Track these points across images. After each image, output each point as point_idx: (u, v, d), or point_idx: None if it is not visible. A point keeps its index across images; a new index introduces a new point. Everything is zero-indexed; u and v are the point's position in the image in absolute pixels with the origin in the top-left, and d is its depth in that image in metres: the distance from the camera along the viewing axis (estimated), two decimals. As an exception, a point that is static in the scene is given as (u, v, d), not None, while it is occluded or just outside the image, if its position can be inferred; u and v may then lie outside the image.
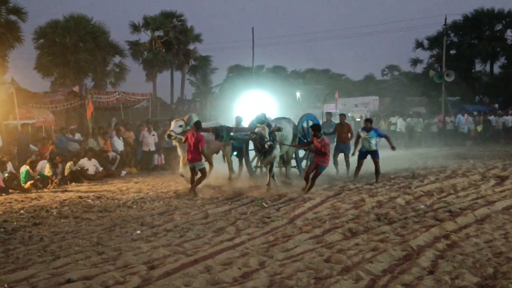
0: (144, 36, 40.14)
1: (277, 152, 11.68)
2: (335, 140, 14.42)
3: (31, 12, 28.90)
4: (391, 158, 15.83)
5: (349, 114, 29.74)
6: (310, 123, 13.12)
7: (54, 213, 9.98)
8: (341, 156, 14.31)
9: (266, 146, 11.02)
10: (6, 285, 5.61)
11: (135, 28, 39.30)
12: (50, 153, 15.19)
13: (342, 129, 14.44)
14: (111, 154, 17.05)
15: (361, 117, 28.77)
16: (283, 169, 13.25)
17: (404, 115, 27.23)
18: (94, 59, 31.77)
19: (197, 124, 11.48)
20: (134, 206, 10.51)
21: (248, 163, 12.99)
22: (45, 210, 10.30)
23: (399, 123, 25.52)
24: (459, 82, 36.73)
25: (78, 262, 6.38)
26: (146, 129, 18.10)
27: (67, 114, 23.71)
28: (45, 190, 13.41)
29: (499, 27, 38.38)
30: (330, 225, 8.05)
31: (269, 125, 11.43)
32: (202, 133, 11.46)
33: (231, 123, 13.06)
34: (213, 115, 24.19)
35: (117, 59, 35.01)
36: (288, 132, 12.37)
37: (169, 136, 12.06)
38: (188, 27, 41.49)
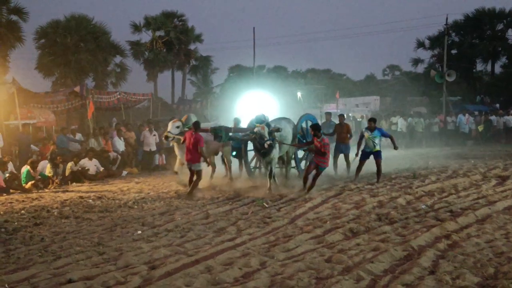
0: (145, 36, 40.25)
1: (276, 152, 11.65)
2: (335, 140, 14.37)
3: (32, 12, 28.88)
4: (392, 158, 15.83)
5: (350, 114, 29.77)
6: (309, 123, 13.11)
7: (55, 213, 9.99)
8: (341, 156, 14.28)
9: (265, 145, 10.98)
10: (7, 285, 5.61)
11: (136, 28, 39.33)
12: (51, 153, 15.21)
13: (341, 130, 14.41)
14: (112, 154, 17.06)
15: (362, 117, 28.74)
16: (283, 169, 13.23)
17: (405, 115, 27.21)
18: (95, 59, 31.80)
19: (196, 125, 11.34)
20: (135, 206, 10.52)
21: (246, 163, 12.98)
22: (46, 210, 10.31)
23: (400, 123, 25.50)
24: (460, 82, 36.72)
25: (79, 262, 6.38)
26: (147, 129, 18.11)
27: (68, 114, 23.73)
28: (46, 190, 13.42)
29: (500, 26, 38.36)
30: (331, 225, 8.05)
31: (268, 125, 11.42)
32: (201, 133, 11.38)
33: (232, 124, 13.03)
34: (214, 115, 24.17)
35: (118, 59, 35.07)
36: (287, 133, 12.34)
37: (166, 137, 11.96)
38: (189, 27, 41.54)
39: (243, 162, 13.17)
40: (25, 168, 13.79)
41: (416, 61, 41.59)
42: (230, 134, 11.95)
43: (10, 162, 13.97)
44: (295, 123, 13.06)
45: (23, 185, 13.42)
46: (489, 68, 39.90)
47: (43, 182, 13.79)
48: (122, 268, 6.10)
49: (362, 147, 12.86)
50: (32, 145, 16.01)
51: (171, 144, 12.73)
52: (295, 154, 13.19)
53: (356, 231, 7.64)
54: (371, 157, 12.74)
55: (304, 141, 13.14)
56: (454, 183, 12.09)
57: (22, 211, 10.27)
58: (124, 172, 16.82)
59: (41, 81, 31.96)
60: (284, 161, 12.99)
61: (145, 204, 10.71)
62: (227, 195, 11.35)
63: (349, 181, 12.74)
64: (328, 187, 11.90)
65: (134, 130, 19.10)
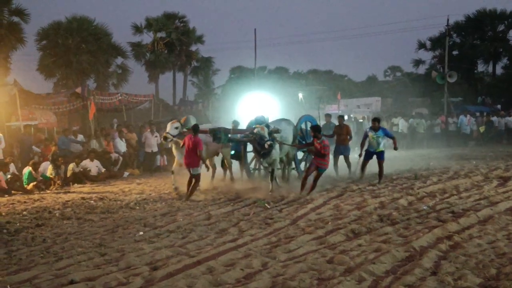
0: (146, 38, 40.29)
1: (276, 153, 11.62)
2: (334, 142, 14.32)
3: (34, 13, 28.92)
4: (394, 159, 15.82)
5: (351, 115, 29.71)
6: (309, 124, 13.11)
7: (57, 214, 10.01)
8: (341, 158, 14.26)
9: (266, 145, 10.95)
10: (9, 286, 5.62)
11: (137, 29, 39.38)
12: (53, 154, 15.21)
13: (341, 131, 14.37)
14: (114, 155, 17.08)
15: (363, 118, 28.70)
16: (283, 171, 13.19)
17: (406, 116, 27.19)
18: (96, 60, 31.85)
19: (195, 128, 11.25)
20: (137, 207, 10.53)
21: (246, 164, 12.97)
22: (48, 211, 10.32)
23: (401, 124, 25.47)
24: (462, 83, 36.71)
25: (81, 263, 6.39)
26: (148, 130, 18.12)
27: (70, 116, 23.73)
28: (48, 191, 13.43)
29: (501, 27, 38.37)
30: (333, 226, 8.05)
31: (268, 126, 11.40)
32: (200, 135, 11.30)
33: (230, 126, 12.97)
34: (215, 116, 24.18)
35: (119, 60, 35.14)
36: (288, 134, 12.32)
37: (165, 138, 11.93)
38: (190, 28, 41.58)
39: (242, 163, 13.14)
40: (27, 169, 13.81)
41: (418, 62, 41.63)
42: (229, 135, 11.92)
43: (12, 163, 13.99)
44: (295, 125, 13.05)
45: (25, 186, 13.44)
46: (490, 69, 39.98)
47: (44, 183, 13.81)
48: (124, 269, 6.11)
49: (365, 147, 12.83)
50: (33, 146, 16.02)
51: (169, 145, 12.70)
52: (295, 155, 13.18)
53: (358, 232, 7.64)
54: (374, 157, 12.72)
55: (304, 142, 13.12)
56: (455, 184, 12.07)
57: (24, 212, 10.29)
58: (126, 173, 16.84)
59: (42, 82, 32.06)
60: (284, 162, 12.97)
61: (146, 205, 10.72)
62: (228, 196, 11.34)
63: (351, 182, 12.74)
64: (330, 188, 11.89)
65: (135, 131, 19.13)
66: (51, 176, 14.17)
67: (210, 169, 12.75)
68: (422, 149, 24.03)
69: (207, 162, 12.45)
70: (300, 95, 35.35)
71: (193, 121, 12.03)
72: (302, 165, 13.56)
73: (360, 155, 12.93)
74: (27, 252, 7.13)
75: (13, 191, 12.98)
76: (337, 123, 14.86)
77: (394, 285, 5.34)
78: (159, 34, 40.19)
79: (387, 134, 12.88)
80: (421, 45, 40.06)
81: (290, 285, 5.38)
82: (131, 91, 28.48)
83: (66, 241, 7.65)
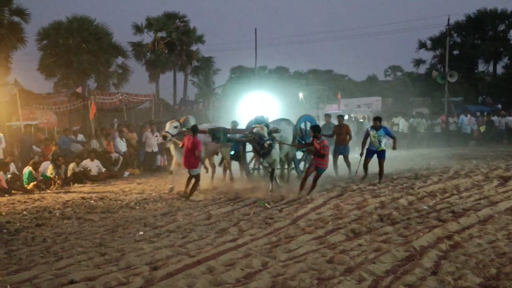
0: (147, 37, 40.32)
1: (276, 153, 11.60)
2: (334, 142, 14.28)
3: (34, 13, 28.96)
4: (394, 159, 15.81)
5: (352, 115, 29.73)
6: (308, 124, 13.10)
7: (57, 214, 10.01)
8: (340, 158, 14.25)
9: (265, 145, 10.94)
10: (9, 286, 5.62)
11: (138, 29, 39.40)
12: (53, 154, 15.22)
13: (340, 131, 14.36)
14: (114, 155, 17.08)
15: (364, 117, 28.73)
16: (283, 171, 13.19)
17: (407, 115, 27.19)
18: (97, 60, 31.87)
19: (194, 129, 11.24)
20: (137, 207, 10.53)
21: (245, 165, 12.95)
22: (48, 211, 10.32)
23: (402, 124, 25.48)
24: (462, 83, 36.73)
25: (81, 263, 6.39)
26: (149, 130, 18.12)
27: (70, 115, 23.77)
28: (48, 191, 13.44)
29: (502, 27, 38.35)
30: (333, 226, 8.04)
31: (267, 125, 11.39)
32: (199, 135, 11.28)
33: (229, 127, 12.95)
34: (215, 116, 24.17)
35: (120, 60, 35.18)
36: (288, 134, 12.30)
37: (164, 137, 11.93)
38: (190, 28, 41.61)
39: (242, 163, 13.13)
40: (27, 169, 13.81)
41: (418, 62, 41.61)
42: (228, 135, 11.91)
43: (12, 163, 13.99)
44: (295, 124, 13.04)
45: (25, 186, 13.45)
46: (491, 68, 39.98)
47: (45, 183, 13.81)
48: (124, 269, 6.11)
49: (366, 146, 12.82)
50: (34, 146, 16.03)
51: (168, 145, 12.67)
52: (294, 155, 13.17)
53: (358, 232, 7.64)
54: (374, 156, 12.72)
55: (303, 142, 13.11)
56: (456, 184, 12.07)
57: (24, 212, 10.29)
58: (126, 173, 16.84)
59: (43, 82, 32.11)
60: (284, 162, 12.95)
61: (147, 205, 10.72)
62: (228, 196, 11.34)
63: (351, 182, 12.74)
64: (330, 188, 11.89)
65: (136, 131, 19.13)
66: (51, 176, 14.18)
67: (210, 169, 12.76)
68: (422, 148, 24.05)
69: (206, 162, 12.46)
70: (301, 95, 35.35)
71: (192, 122, 12.02)
72: (302, 165, 13.56)
73: (361, 154, 12.92)
74: (27, 251, 7.13)
75: (13, 191, 12.98)
76: (336, 123, 14.85)
77: (394, 285, 5.33)
78: (159, 34, 40.22)
79: (388, 133, 12.88)
80: (422, 45, 40.05)
81: (290, 285, 5.38)
82: (132, 91, 28.53)
83: (66, 241, 7.65)
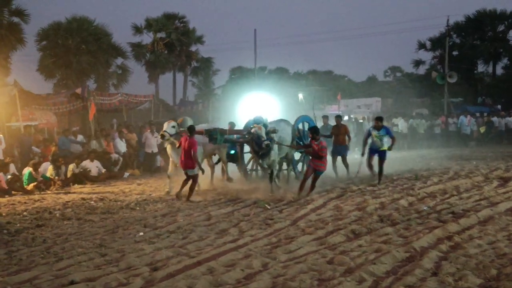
0: (147, 38, 40.34)
1: (275, 154, 11.57)
2: (332, 142, 14.24)
3: (34, 14, 29.05)
4: (394, 160, 15.81)
5: (351, 116, 29.75)
6: (306, 124, 13.07)
7: (57, 214, 10.00)
8: (339, 158, 14.23)
9: (263, 145, 10.92)
10: (9, 287, 5.62)
11: (138, 29, 39.41)
12: (53, 154, 15.21)
13: (338, 131, 14.33)
14: (114, 155, 17.06)
15: (363, 118, 28.72)
16: (283, 171, 13.17)
17: (407, 116, 27.20)
18: (96, 60, 31.90)
19: (191, 129, 11.21)
20: (137, 208, 10.52)
21: (243, 165, 12.94)
22: (48, 211, 10.32)
23: (401, 124, 25.49)
24: (462, 83, 36.74)
25: (81, 264, 6.38)
26: (148, 130, 18.11)
27: (70, 116, 23.72)
28: (48, 191, 13.43)
29: (501, 28, 38.42)
30: (333, 227, 8.04)
31: (265, 126, 11.37)
32: (196, 136, 11.27)
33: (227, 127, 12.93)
34: (215, 117, 24.15)
35: (119, 60, 35.20)
36: (287, 134, 12.26)
37: (163, 136, 11.92)
38: (190, 28, 41.62)
39: (240, 165, 13.11)
40: (27, 170, 13.80)
41: (418, 63, 41.67)
42: (225, 136, 11.89)
43: (12, 164, 13.98)
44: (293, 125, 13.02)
45: (25, 186, 13.43)
46: (490, 69, 40.07)
47: (45, 183, 13.80)
48: (124, 270, 6.11)
49: (368, 145, 12.80)
50: (33, 147, 16.02)
51: (165, 145, 12.65)
52: (293, 155, 13.15)
53: (358, 233, 7.64)
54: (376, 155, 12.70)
55: (301, 143, 13.09)
56: (456, 185, 12.08)
57: (24, 213, 10.28)
58: (126, 174, 16.83)
59: (42, 83, 32.10)
60: (283, 163, 12.92)
61: (147, 206, 10.71)
62: (228, 197, 11.33)
63: (350, 183, 12.74)
64: (330, 189, 11.89)
65: (135, 131, 19.11)
66: (51, 177, 14.17)
67: (210, 170, 12.76)
68: (422, 149, 24.04)
69: (205, 162, 12.46)
70: (300, 96, 35.33)
71: (189, 122, 12.01)
72: (299, 166, 13.53)
73: (362, 154, 12.92)
74: (28, 252, 7.13)
75: (13, 192, 12.97)
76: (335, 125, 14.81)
77: (395, 286, 5.34)
78: (159, 35, 40.23)
79: (389, 133, 12.88)
80: (421, 46, 40.10)
81: (290, 285, 5.38)
82: (131, 92, 28.41)
83: (66, 242, 7.65)
